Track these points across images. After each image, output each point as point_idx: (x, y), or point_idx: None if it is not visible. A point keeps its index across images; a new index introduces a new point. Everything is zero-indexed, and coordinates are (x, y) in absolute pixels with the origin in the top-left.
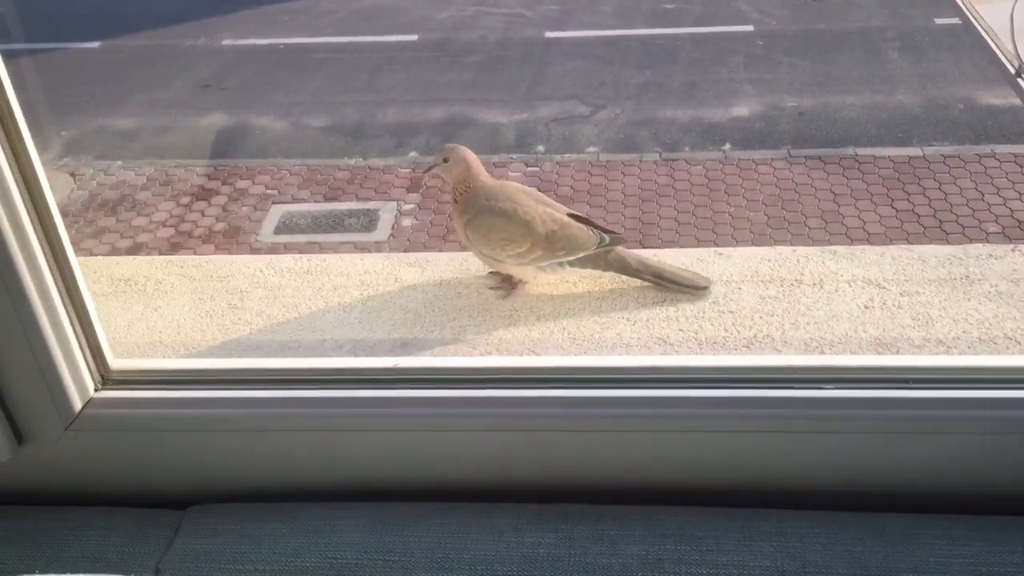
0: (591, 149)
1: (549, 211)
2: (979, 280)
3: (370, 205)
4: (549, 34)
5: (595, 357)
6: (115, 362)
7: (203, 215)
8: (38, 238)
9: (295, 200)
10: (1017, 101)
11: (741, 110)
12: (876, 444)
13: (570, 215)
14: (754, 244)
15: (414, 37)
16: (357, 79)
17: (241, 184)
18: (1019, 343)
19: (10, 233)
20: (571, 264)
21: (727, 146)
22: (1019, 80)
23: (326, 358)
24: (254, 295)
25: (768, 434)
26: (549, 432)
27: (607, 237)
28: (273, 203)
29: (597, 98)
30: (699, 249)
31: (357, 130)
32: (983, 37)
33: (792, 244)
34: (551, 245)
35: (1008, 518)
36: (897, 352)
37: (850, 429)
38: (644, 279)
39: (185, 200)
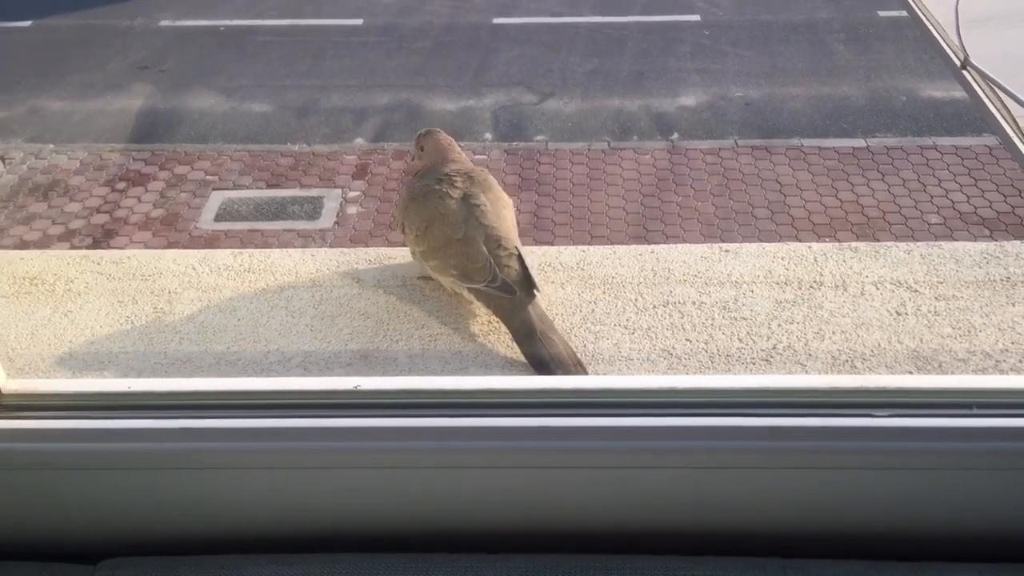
0: (539, 137)
1: (484, 224)
2: (1022, 282)
3: (314, 192)
4: (496, 20)
5: (588, 378)
6: (9, 383)
7: (139, 201)
8: None
9: (236, 187)
10: (958, 94)
11: (688, 100)
12: (934, 481)
13: (516, 250)
14: (704, 236)
15: (359, 21)
16: (301, 63)
17: (180, 169)
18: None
19: None
20: (470, 291)
21: (675, 135)
22: (964, 72)
23: (271, 378)
24: (185, 297)
25: (809, 471)
26: (546, 470)
27: (514, 287)
28: (213, 189)
29: (545, 86)
30: (703, 246)
31: (301, 115)
32: (929, 30)
33: (741, 235)
34: (446, 255)
35: (886, 564)
36: (940, 367)
37: (903, 465)
38: (522, 348)
39: (121, 185)
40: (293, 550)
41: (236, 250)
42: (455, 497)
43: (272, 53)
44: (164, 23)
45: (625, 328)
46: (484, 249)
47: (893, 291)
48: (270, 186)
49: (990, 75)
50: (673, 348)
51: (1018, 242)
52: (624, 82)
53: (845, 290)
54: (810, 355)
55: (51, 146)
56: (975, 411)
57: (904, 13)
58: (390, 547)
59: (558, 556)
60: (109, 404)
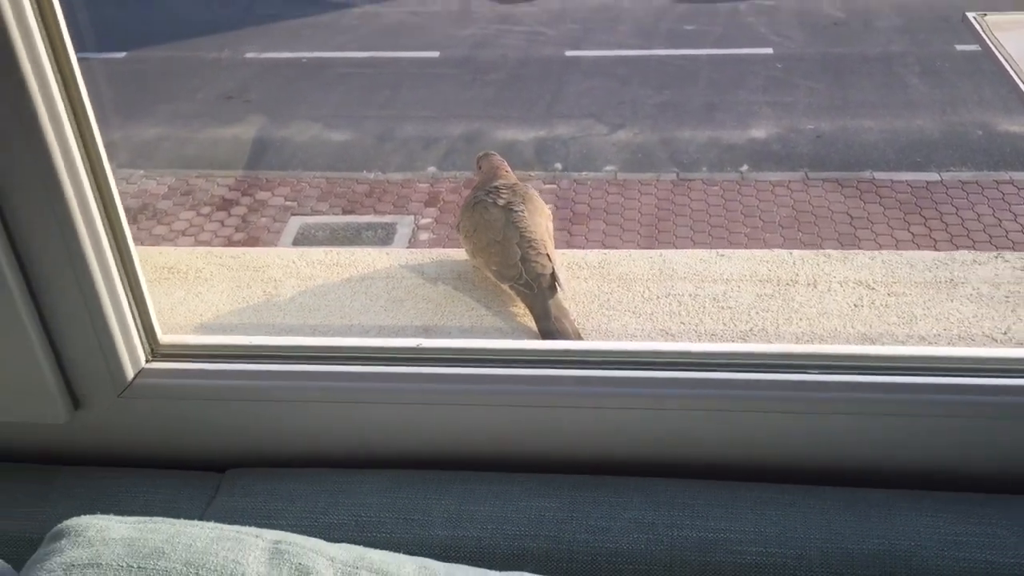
0: (608, 167)
1: (520, 228)
2: (962, 283)
3: (388, 219)
4: (569, 53)
5: (598, 342)
6: (163, 337)
7: (223, 225)
8: (102, 222)
9: (314, 212)
10: None
11: (759, 132)
12: (855, 425)
13: (545, 251)
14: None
15: (436, 54)
16: (379, 94)
17: (261, 195)
18: (996, 340)
19: (78, 214)
20: (511, 287)
21: (744, 167)
22: None
23: (355, 337)
24: (287, 284)
25: (756, 414)
26: (556, 408)
27: (534, 284)
28: (292, 215)
29: (615, 117)
30: (702, 250)
31: (377, 144)
32: (1003, 64)
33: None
34: (488, 257)
35: (977, 495)
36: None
37: (832, 411)
38: (538, 327)
39: (205, 210)
40: (369, 466)
41: (327, 248)
42: (493, 429)
43: (351, 84)
44: (249, 55)
45: (633, 313)
46: (518, 251)
47: (854, 288)
48: (346, 212)
49: None
50: (670, 328)
51: (966, 251)
52: (694, 114)
53: (815, 287)
54: (778, 336)
55: (141, 171)
56: (889, 371)
57: (976, 47)
58: (441, 465)
59: (572, 476)
60: (235, 354)
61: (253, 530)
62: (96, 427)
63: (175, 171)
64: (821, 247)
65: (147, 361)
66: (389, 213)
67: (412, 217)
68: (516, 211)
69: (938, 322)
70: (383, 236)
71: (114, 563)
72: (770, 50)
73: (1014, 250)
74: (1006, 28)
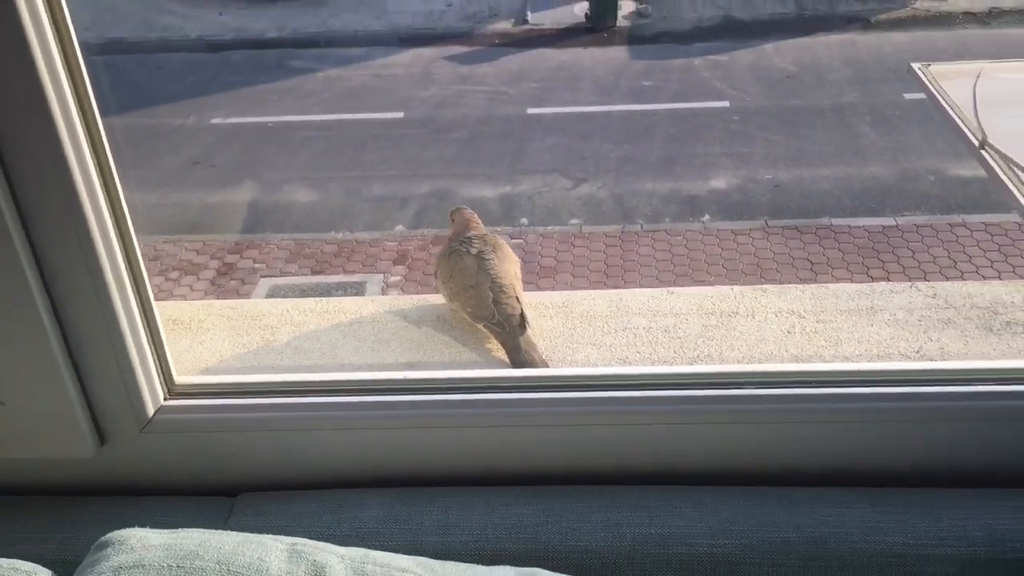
0: (574, 221)
1: (491, 274)
2: (881, 310)
3: (356, 278)
4: (530, 111)
5: (564, 368)
6: (178, 377)
7: (191, 289)
8: (126, 271)
9: (283, 273)
10: (983, 172)
11: (719, 183)
12: (786, 431)
13: (514, 293)
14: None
15: (399, 115)
16: (343, 155)
17: (229, 258)
18: (909, 358)
19: (107, 267)
20: (485, 326)
21: (706, 217)
22: (983, 152)
23: (349, 372)
24: (282, 331)
25: (703, 425)
26: (530, 427)
27: (506, 324)
28: (261, 276)
29: (578, 172)
30: (653, 289)
31: (344, 204)
32: (948, 112)
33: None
34: (464, 300)
35: (893, 488)
36: None
37: (766, 420)
38: (510, 359)
39: (174, 275)
40: (368, 485)
41: (317, 298)
42: (475, 447)
43: (317, 146)
44: (215, 121)
45: (594, 345)
46: (490, 294)
47: (787, 317)
48: (315, 272)
49: (1008, 154)
50: (627, 357)
51: (883, 282)
52: (655, 167)
53: (753, 317)
54: (722, 360)
55: None
56: (812, 384)
57: (922, 96)
58: (432, 482)
59: (545, 487)
60: (243, 390)
61: (271, 536)
62: (119, 460)
63: (143, 237)
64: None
65: (165, 399)
66: (358, 272)
67: (381, 276)
68: (487, 259)
69: (860, 344)
70: (353, 295)
71: (156, 564)
72: (726, 103)
73: (926, 280)
74: (950, 77)
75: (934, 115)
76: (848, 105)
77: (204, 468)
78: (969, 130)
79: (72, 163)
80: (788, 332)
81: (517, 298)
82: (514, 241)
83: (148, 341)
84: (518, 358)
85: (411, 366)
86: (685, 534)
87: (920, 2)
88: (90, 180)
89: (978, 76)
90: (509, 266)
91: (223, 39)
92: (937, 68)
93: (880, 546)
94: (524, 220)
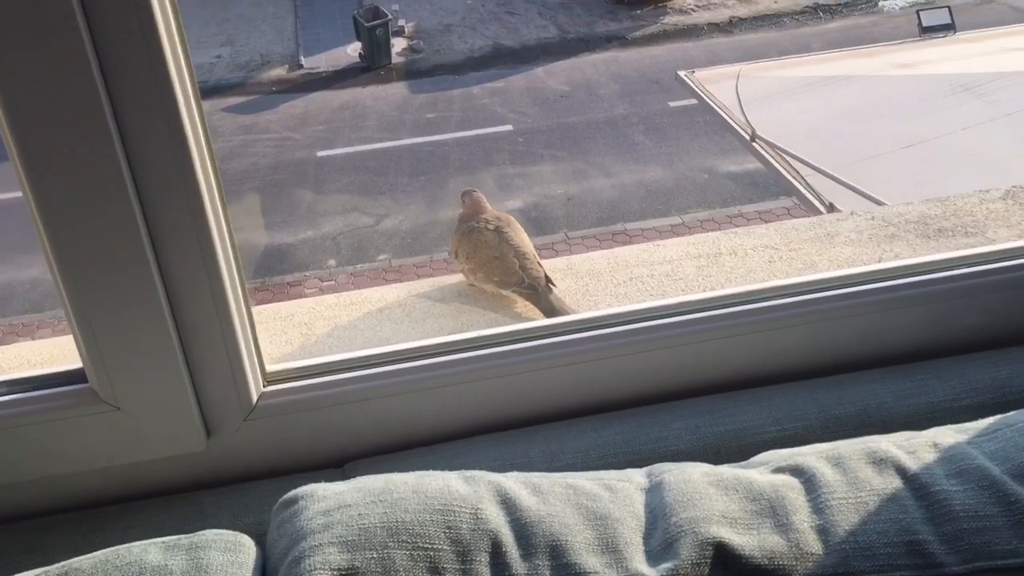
0: (382, 256)
1: (512, 245)
2: (836, 235)
3: None
4: (320, 153)
5: (617, 307)
6: (270, 366)
7: None
8: (234, 268)
9: None
10: (751, 165)
11: (515, 202)
12: (814, 330)
13: (536, 259)
14: None
15: None
16: None
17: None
18: (860, 266)
19: (223, 265)
20: (514, 291)
21: None
22: (754, 144)
23: (426, 339)
24: (317, 326)
25: (750, 336)
26: (605, 360)
27: (536, 286)
28: None
29: (379, 208)
30: (642, 244)
31: None
32: (718, 112)
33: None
34: (489, 270)
35: (904, 364)
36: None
37: (803, 322)
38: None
39: None
40: (463, 436)
41: (338, 293)
42: (554, 384)
43: None
44: None
45: (611, 295)
46: (516, 261)
47: (764, 251)
48: None
49: (776, 143)
50: (636, 301)
51: (832, 214)
52: (453, 194)
53: (735, 255)
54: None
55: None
56: (769, 297)
57: (692, 101)
58: (533, 423)
59: (623, 411)
60: (330, 369)
61: (432, 472)
62: (226, 450)
63: None
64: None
65: (265, 385)
66: None
67: None
68: (505, 232)
69: (832, 263)
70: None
71: (358, 502)
72: (510, 127)
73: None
74: (714, 81)
75: (700, 118)
76: (621, 117)
77: (307, 445)
78: (739, 127)
79: (197, 171)
80: (770, 262)
81: (539, 262)
82: (325, 283)
83: (249, 333)
84: (554, 314)
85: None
86: (755, 425)
87: (669, 17)
88: (210, 184)
89: (738, 77)
90: (524, 237)
91: None
92: (701, 74)
93: (910, 408)
94: (332, 262)
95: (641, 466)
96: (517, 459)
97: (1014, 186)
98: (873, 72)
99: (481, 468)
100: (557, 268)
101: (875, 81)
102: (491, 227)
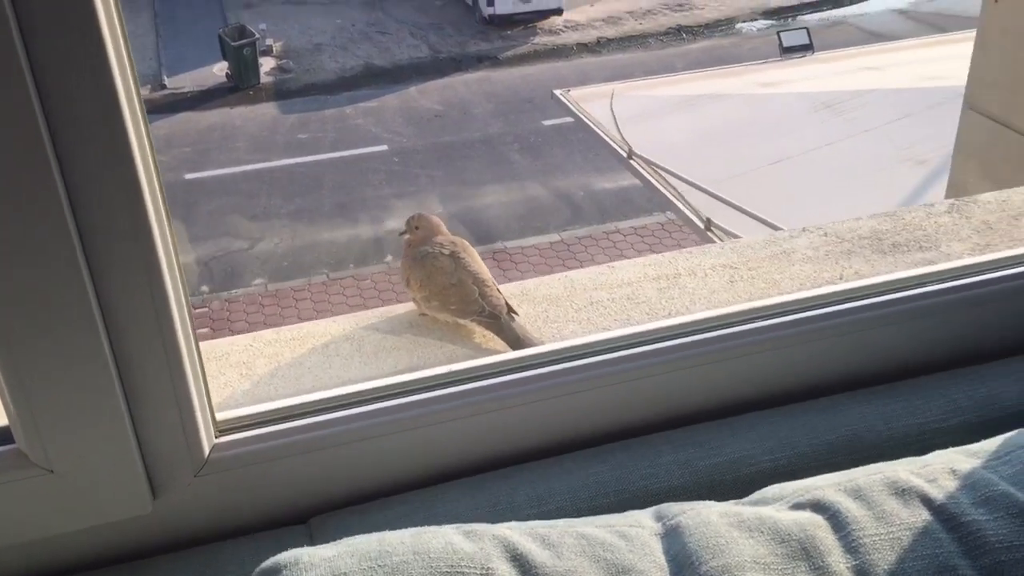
0: (258, 281)
1: (470, 271)
2: (792, 252)
3: None
4: (188, 176)
5: (587, 336)
6: (219, 413)
7: None
8: (185, 312)
9: None
10: (626, 182)
11: (394, 222)
12: (798, 352)
13: (495, 286)
14: None
15: None
16: None
17: None
18: (834, 284)
19: (174, 309)
20: (474, 320)
21: (389, 258)
22: (631, 161)
23: (389, 377)
24: (258, 365)
25: (734, 360)
26: (580, 393)
27: (497, 314)
28: None
29: (252, 231)
30: (596, 267)
31: None
32: (593, 130)
33: None
34: (445, 298)
35: (886, 384)
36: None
37: (785, 345)
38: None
39: None
40: (449, 479)
41: (276, 328)
42: (528, 421)
43: None
44: None
45: (572, 321)
46: (475, 288)
47: (723, 271)
48: None
49: (653, 160)
50: (607, 326)
51: (785, 231)
52: (329, 216)
53: (695, 275)
54: (690, 311)
55: None
56: (751, 320)
57: (567, 119)
58: (508, 464)
59: (608, 445)
60: (287, 414)
61: (428, 528)
62: (177, 510)
63: None
64: None
65: (216, 437)
66: None
67: None
68: (462, 258)
69: (793, 280)
70: None
71: (355, 570)
72: (385, 147)
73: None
74: (590, 99)
75: (575, 136)
76: (496, 136)
77: (267, 500)
78: (615, 144)
79: (146, 201)
80: (731, 281)
81: (498, 290)
82: (198, 311)
83: (200, 377)
84: (520, 344)
85: (411, 371)
86: (747, 456)
87: (538, 38)
88: (160, 212)
89: (612, 96)
90: (482, 263)
91: None
92: (577, 92)
93: (901, 430)
94: (204, 288)
95: (635, 505)
96: (502, 504)
97: (956, 200)
98: (740, 91)
99: (465, 516)
100: (512, 294)
101: (742, 99)
102: (446, 252)
